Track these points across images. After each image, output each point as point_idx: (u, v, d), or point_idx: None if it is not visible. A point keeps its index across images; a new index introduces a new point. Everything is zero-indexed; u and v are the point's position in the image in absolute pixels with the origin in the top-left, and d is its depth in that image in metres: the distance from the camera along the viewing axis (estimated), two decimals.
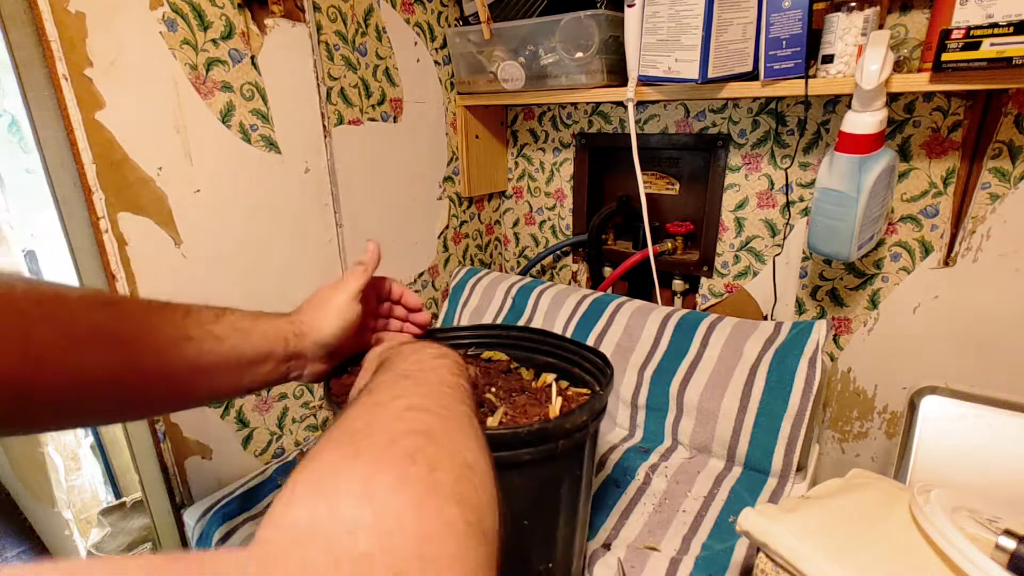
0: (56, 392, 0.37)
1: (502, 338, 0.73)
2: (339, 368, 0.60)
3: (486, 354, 0.70)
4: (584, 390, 0.62)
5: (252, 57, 0.83)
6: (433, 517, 0.22)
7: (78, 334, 0.38)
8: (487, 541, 0.24)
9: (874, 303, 0.99)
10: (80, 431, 1.42)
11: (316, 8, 0.90)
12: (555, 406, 0.57)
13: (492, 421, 0.54)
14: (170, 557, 0.18)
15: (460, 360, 0.43)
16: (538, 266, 1.39)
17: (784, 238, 1.04)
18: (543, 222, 1.37)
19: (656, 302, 1.11)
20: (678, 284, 1.18)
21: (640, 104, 1.10)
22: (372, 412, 0.30)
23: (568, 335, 1.05)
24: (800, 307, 1.07)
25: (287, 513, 0.22)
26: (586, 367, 0.65)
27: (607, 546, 0.72)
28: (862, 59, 0.71)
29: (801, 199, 1.01)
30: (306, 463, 0.25)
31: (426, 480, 0.24)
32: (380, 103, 1.04)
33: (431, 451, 0.26)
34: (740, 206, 1.07)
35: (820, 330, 0.88)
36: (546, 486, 0.55)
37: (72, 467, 1.40)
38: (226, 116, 0.81)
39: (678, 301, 1.20)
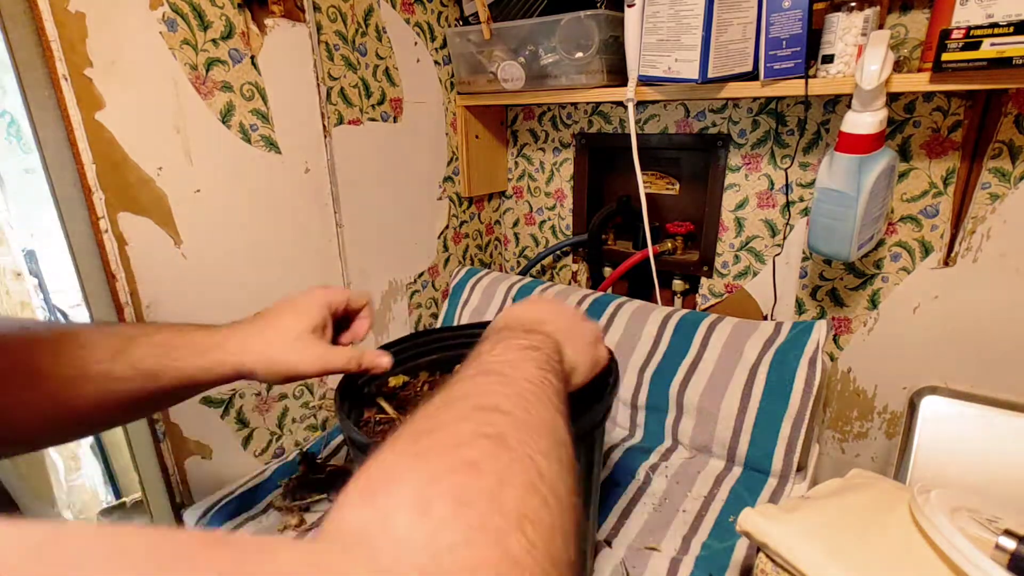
0: None
1: None
2: (354, 391, 0.58)
3: None
4: None
5: (252, 57, 0.83)
6: (491, 545, 0.20)
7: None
8: (555, 568, 0.21)
9: (874, 303, 0.99)
10: None
11: (316, 8, 0.90)
12: None
13: None
14: (200, 539, 0.17)
15: (552, 351, 0.39)
16: (538, 266, 1.39)
17: (784, 238, 1.04)
18: (543, 222, 1.37)
19: (656, 302, 1.11)
20: (678, 284, 1.18)
21: (640, 104, 1.10)
22: (441, 411, 0.28)
23: None
24: (800, 307, 1.07)
25: (341, 517, 0.21)
26: None
27: (608, 542, 0.72)
28: (862, 59, 0.71)
29: (801, 199, 1.01)
30: (368, 462, 0.24)
31: (488, 499, 0.22)
32: (380, 103, 1.04)
33: (502, 459, 0.24)
34: (740, 206, 1.07)
35: (820, 330, 0.88)
36: None
37: (72, 467, 1.41)
38: (226, 116, 0.81)
39: (678, 301, 1.20)
